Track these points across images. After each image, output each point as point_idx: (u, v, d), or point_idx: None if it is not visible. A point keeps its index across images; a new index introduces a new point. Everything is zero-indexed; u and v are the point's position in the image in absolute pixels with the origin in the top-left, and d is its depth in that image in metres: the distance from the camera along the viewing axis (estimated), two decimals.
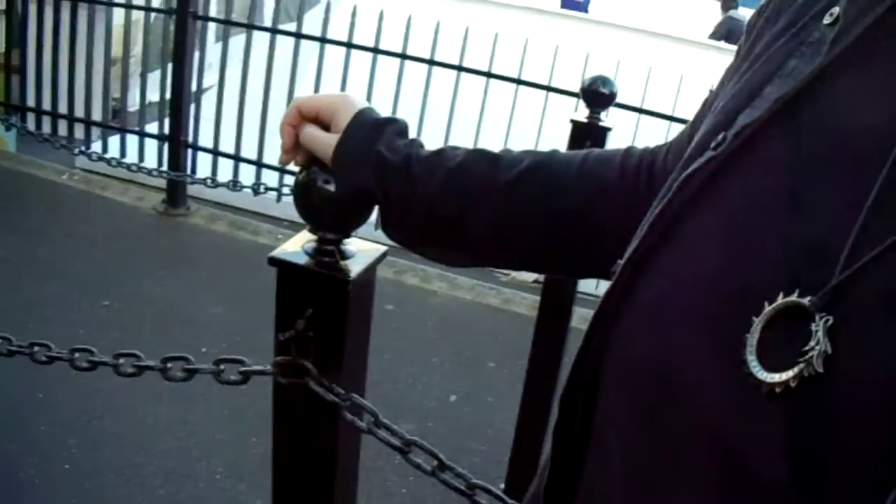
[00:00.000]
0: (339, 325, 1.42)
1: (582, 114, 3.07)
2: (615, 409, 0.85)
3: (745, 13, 10.53)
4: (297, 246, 1.46)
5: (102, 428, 3.61)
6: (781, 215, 0.72)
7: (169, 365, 1.72)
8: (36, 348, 1.82)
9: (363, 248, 1.48)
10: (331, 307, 1.41)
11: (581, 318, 3.13)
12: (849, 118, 0.73)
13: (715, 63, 5.11)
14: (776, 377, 0.66)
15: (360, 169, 1.27)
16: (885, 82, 0.72)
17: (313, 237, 1.45)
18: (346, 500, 1.66)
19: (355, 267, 1.43)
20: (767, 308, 0.68)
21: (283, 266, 1.44)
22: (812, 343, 0.64)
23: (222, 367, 1.63)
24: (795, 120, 0.76)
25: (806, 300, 0.66)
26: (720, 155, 0.80)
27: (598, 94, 3.05)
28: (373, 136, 1.26)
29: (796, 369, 0.65)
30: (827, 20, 0.80)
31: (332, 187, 1.38)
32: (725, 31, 10.50)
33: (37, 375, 3.79)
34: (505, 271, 5.71)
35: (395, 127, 1.27)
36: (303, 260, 1.43)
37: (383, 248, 1.50)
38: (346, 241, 1.46)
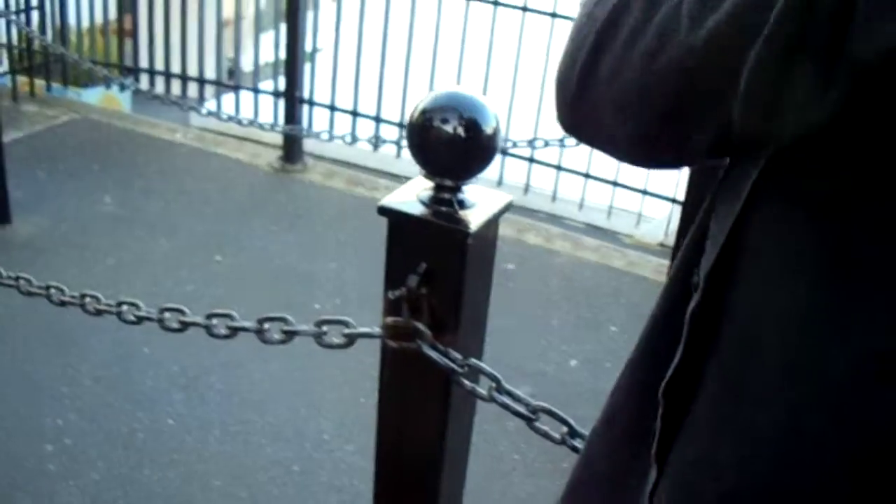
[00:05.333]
0: (456, 283, 1.27)
1: None
2: None
3: None
4: (410, 194, 1.30)
5: (209, 384, 3.52)
6: None
7: (266, 326, 1.60)
8: (124, 307, 1.71)
9: (484, 197, 1.32)
10: (448, 262, 1.26)
11: None
12: None
13: None
14: None
15: None
16: None
17: (429, 185, 1.30)
18: (455, 471, 1.52)
19: (476, 218, 1.27)
20: None
21: (394, 216, 1.29)
22: None
23: (324, 328, 1.50)
24: None
25: None
26: None
27: None
28: None
29: None
30: None
31: (448, 127, 1.23)
32: None
33: (143, 329, 3.74)
34: (629, 233, 5.51)
35: None
36: (417, 209, 1.28)
37: (507, 198, 1.35)
38: (466, 188, 1.30)
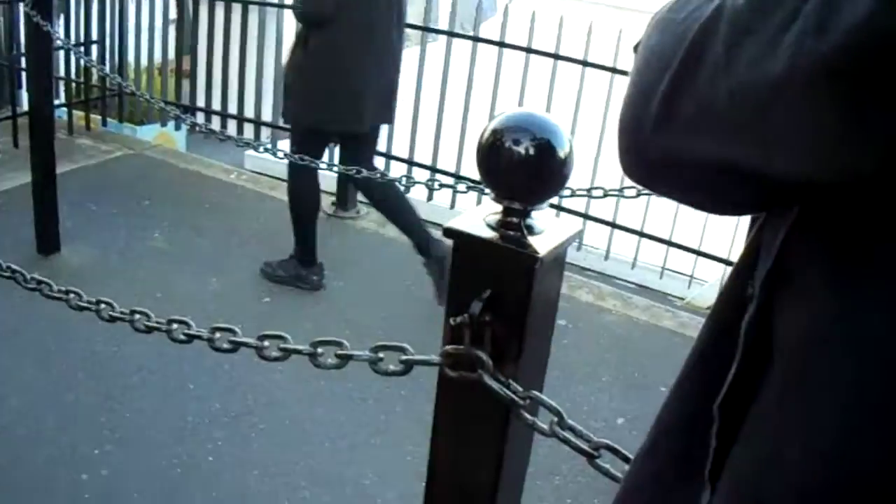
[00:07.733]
0: (522, 310, 1.22)
1: None
2: None
3: None
4: (478, 217, 1.26)
5: (251, 423, 3.48)
6: None
7: (319, 350, 1.55)
8: (175, 325, 1.67)
9: (554, 223, 1.27)
10: (514, 288, 1.21)
11: None
12: None
13: None
14: None
15: None
16: None
17: (497, 208, 1.26)
18: None
19: (545, 244, 1.22)
20: None
21: (460, 238, 1.24)
22: None
23: (381, 354, 1.45)
24: None
25: None
26: None
27: None
28: None
29: None
30: None
31: (520, 148, 1.19)
32: None
33: (190, 366, 3.70)
34: (680, 295, 5.45)
35: None
36: (484, 232, 1.23)
37: (577, 227, 1.30)
38: (535, 214, 1.26)
